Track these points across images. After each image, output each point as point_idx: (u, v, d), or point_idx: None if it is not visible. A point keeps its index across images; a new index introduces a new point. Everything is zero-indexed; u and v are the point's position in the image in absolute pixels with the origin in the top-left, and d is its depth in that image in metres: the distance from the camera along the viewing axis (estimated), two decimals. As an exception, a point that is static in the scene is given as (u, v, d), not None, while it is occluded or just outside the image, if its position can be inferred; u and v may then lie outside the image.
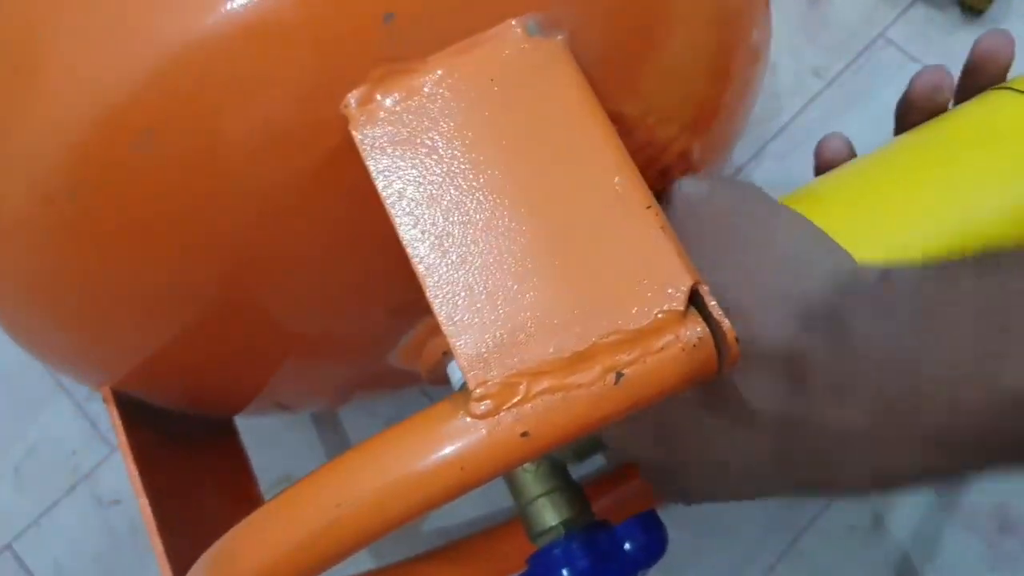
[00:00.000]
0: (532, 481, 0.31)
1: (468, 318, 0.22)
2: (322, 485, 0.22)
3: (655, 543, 0.30)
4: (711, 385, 0.25)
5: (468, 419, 0.21)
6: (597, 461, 0.37)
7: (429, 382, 0.35)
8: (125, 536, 0.49)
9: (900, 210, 0.29)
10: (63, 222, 0.27)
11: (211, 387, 0.34)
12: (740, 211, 0.27)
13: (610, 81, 0.26)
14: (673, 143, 0.31)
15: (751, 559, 0.45)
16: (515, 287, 0.22)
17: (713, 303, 0.22)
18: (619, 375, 0.21)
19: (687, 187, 0.28)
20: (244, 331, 0.31)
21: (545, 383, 0.21)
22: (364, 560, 0.42)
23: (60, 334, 0.31)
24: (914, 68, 0.50)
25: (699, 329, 0.22)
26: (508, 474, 0.32)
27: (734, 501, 0.30)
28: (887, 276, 0.24)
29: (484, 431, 0.21)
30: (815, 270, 0.25)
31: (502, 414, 0.21)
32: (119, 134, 0.24)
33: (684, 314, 0.22)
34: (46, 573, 0.48)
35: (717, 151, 0.34)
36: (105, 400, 0.33)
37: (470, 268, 0.22)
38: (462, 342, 0.22)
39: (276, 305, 0.30)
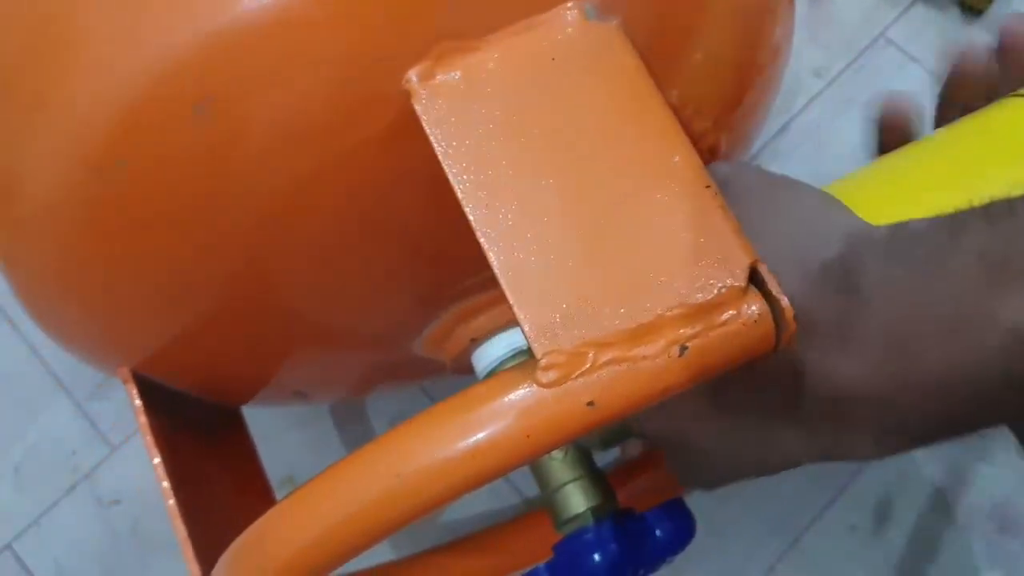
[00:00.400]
0: (560, 468, 0.32)
1: (534, 290, 0.22)
2: (381, 455, 0.22)
3: (684, 530, 0.31)
4: None
5: (535, 387, 0.21)
6: (613, 452, 0.37)
7: (453, 371, 0.35)
8: (125, 536, 0.48)
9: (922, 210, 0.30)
10: (108, 194, 0.26)
11: (239, 370, 0.33)
12: (763, 186, 0.28)
13: (656, 68, 0.27)
14: (706, 136, 0.31)
15: (751, 559, 0.46)
16: (579, 260, 0.23)
17: (773, 280, 0.22)
18: (683, 348, 0.22)
19: (717, 169, 0.29)
20: (275, 317, 0.31)
21: (611, 354, 0.22)
22: (384, 552, 0.41)
23: (88, 314, 0.31)
24: (914, 68, 0.52)
25: (759, 305, 0.22)
26: (536, 461, 0.32)
27: (756, 477, 0.30)
28: (898, 228, 0.25)
29: (551, 399, 0.21)
30: (828, 232, 0.26)
31: (569, 383, 0.21)
32: (175, 102, 0.24)
33: (745, 290, 0.22)
34: (46, 573, 0.48)
35: (741, 147, 0.35)
36: (124, 381, 0.32)
37: (534, 241, 0.23)
38: (528, 313, 0.22)
39: (309, 290, 0.30)
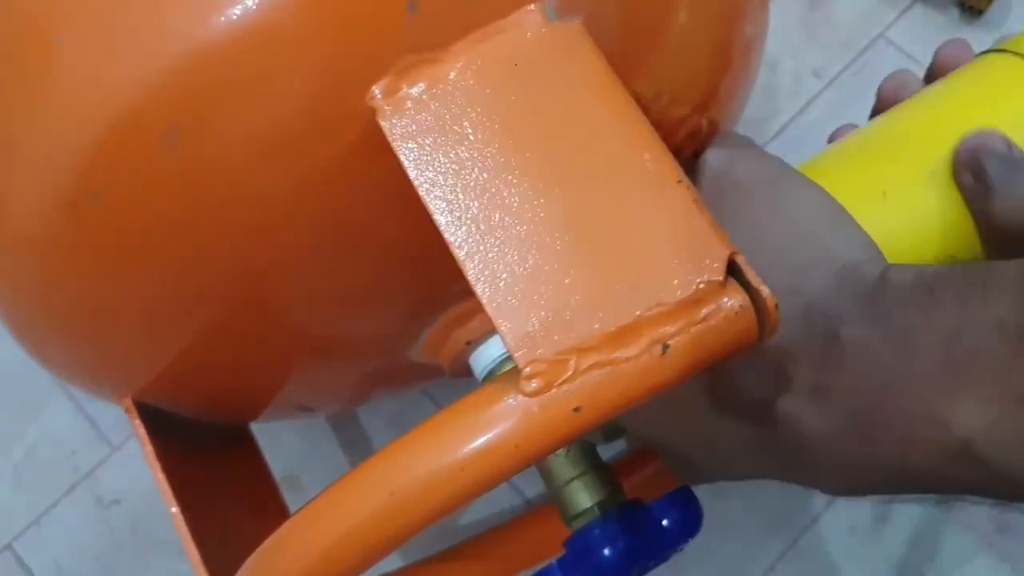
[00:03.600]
0: (564, 464, 0.32)
1: (512, 299, 0.22)
2: (374, 473, 0.22)
3: (691, 518, 0.31)
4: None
5: (520, 397, 0.21)
6: (620, 443, 0.37)
7: (451, 375, 0.35)
8: (125, 536, 0.49)
9: (909, 171, 0.30)
10: (85, 228, 0.26)
11: (237, 391, 0.33)
12: (759, 185, 0.28)
13: (625, 62, 0.27)
14: (684, 123, 0.31)
15: (751, 559, 0.46)
16: (555, 266, 0.22)
17: (751, 272, 0.22)
18: (665, 347, 0.22)
19: (711, 158, 0.28)
20: (267, 334, 0.31)
21: (593, 358, 0.22)
22: (391, 558, 0.42)
23: (80, 347, 0.31)
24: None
25: (739, 298, 0.22)
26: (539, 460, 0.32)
27: (736, 481, 0.31)
28: (884, 280, 0.25)
29: (536, 408, 0.21)
30: (824, 261, 0.26)
31: (553, 391, 0.21)
32: (144, 133, 0.24)
33: (724, 284, 0.22)
34: (46, 573, 0.48)
35: (726, 125, 0.34)
36: (127, 411, 0.33)
37: (509, 250, 0.23)
38: (508, 323, 0.22)
39: (298, 306, 0.30)
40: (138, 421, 0.33)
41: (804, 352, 0.25)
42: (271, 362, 0.32)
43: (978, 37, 0.50)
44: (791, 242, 0.26)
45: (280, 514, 0.39)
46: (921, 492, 0.25)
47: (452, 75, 0.24)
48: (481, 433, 0.21)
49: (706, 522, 0.43)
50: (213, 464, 0.37)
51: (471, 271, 0.23)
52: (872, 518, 0.45)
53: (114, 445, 0.50)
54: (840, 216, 0.27)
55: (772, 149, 0.51)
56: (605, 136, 0.24)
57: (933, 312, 0.23)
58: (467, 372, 0.34)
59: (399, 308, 0.32)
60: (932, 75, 0.33)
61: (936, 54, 0.33)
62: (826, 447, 0.25)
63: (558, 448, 0.22)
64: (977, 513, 0.45)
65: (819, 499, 0.46)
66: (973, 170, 0.27)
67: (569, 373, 0.21)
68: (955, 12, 0.52)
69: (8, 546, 0.49)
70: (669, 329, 0.22)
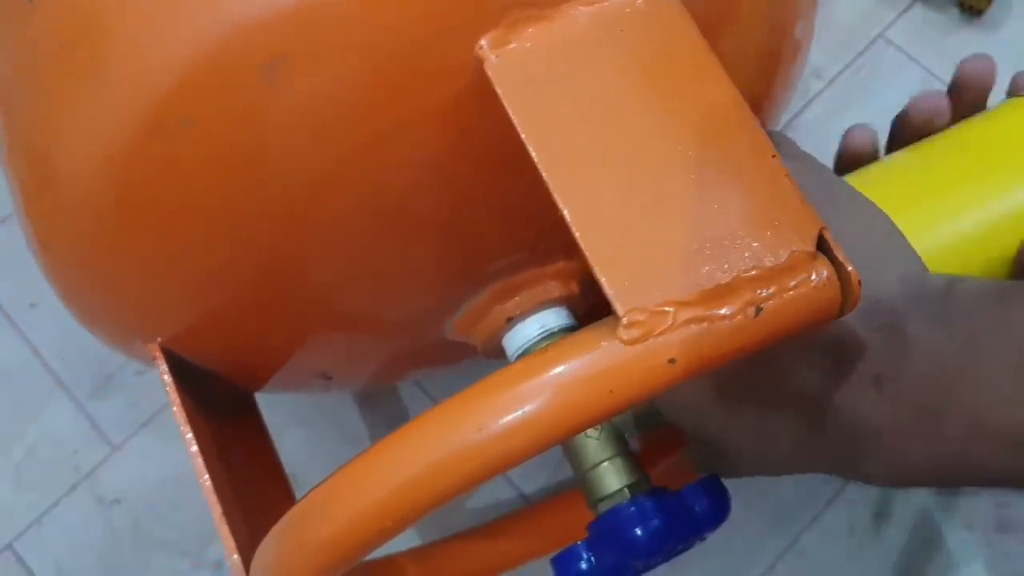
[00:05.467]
0: (595, 448, 0.32)
1: (613, 250, 0.23)
2: (467, 408, 0.22)
3: (721, 506, 0.31)
4: (759, 358, 0.26)
5: (618, 344, 0.22)
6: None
7: (483, 354, 0.35)
8: (126, 536, 0.48)
9: (944, 206, 0.31)
10: (165, 157, 0.26)
11: (267, 349, 0.33)
12: (821, 197, 0.29)
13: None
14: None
15: (751, 558, 0.46)
16: (655, 222, 0.23)
17: (839, 248, 0.23)
18: (759, 309, 0.22)
19: None
20: (313, 296, 0.31)
21: (691, 313, 0.22)
22: (410, 538, 0.41)
23: (121, 293, 0.31)
24: (914, 68, 0.53)
25: (827, 270, 0.23)
26: (570, 442, 0.32)
27: (770, 476, 0.31)
28: (951, 288, 0.26)
29: (633, 356, 0.22)
30: (886, 271, 0.27)
31: (651, 341, 0.22)
32: (246, 60, 0.24)
33: (814, 256, 0.23)
34: (47, 573, 0.47)
35: (768, 127, 0.36)
36: (155, 357, 0.32)
37: (611, 204, 0.23)
38: (609, 272, 0.22)
39: (349, 267, 0.30)
40: (165, 366, 0.32)
41: (867, 344, 0.26)
42: (310, 322, 0.32)
43: (978, 37, 0.52)
44: (854, 249, 0.27)
45: (285, 487, 0.38)
46: (972, 484, 0.26)
47: (559, 33, 0.25)
48: (579, 376, 0.22)
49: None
50: (226, 426, 0.36)
51: (573, 220, 0.23)
52: (872, 518, 0.46)
53: (114, 445, 0.49)
54: (899, 237, 0.28)
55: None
56: (705, 103, 0.24)
57: (1004, 316, 0.24)
58: (499, 353, 0.34)
59: (444, 279, 0.32)
60: (955, 88, 0.34)
61: (960, 68, 0.33)
62: (882, 437, 0.25)
63: (648, 398, 0.22)
64: (977, 512, 0.46)
65: (819, 499, 0.46)
66: None
67: (667, 324, 0.22)
68: (955, 12, 0.53)
69: (9, 546, 0.48)
70: (763, 292, 0.22)
